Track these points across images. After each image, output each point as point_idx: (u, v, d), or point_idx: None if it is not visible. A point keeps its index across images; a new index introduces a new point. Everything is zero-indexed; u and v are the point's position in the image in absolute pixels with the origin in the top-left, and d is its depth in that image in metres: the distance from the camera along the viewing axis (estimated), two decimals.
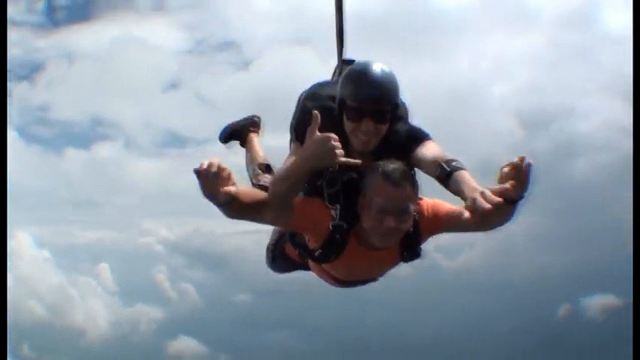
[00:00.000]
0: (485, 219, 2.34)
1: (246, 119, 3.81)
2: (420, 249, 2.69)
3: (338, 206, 2.47)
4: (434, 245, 2.99)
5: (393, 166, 2.37)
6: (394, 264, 2.78)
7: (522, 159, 2.11)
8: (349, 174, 2.46)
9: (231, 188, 2.28)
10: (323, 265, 2.76)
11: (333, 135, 2.16)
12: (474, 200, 2.03)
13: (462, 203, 2.33)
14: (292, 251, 2.99)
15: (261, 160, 3.42)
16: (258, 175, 3.28)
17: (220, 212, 2.38)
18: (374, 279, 2.96)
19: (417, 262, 2.76)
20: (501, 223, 2.48)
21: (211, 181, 2.24)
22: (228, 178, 2.27)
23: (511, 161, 2.12)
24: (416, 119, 2.76)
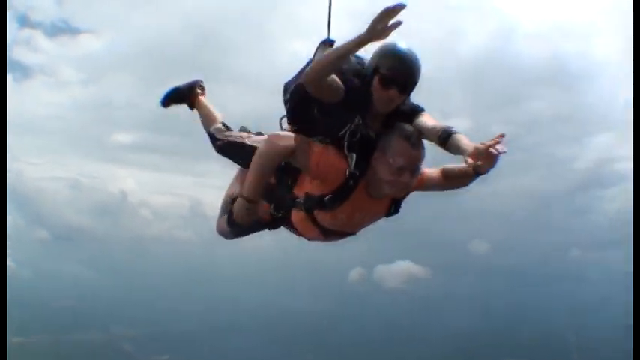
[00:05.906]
0: (450, 183, 3.06)
1: (191, 82, 3.82)
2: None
3: (354, 156, 2.75)
4: None
5: (411, 130, 2.77)
6: (379, 217, 3.08)
7: (498, 142, 2.36)
8: (368, 130, 2.80)
9: None
10: (317, 216, 2.95)
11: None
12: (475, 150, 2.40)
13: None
14: (263, 208, 3.14)
15: (220, 119, 3.54)
16: (223, 131, 3.38)
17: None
18: (354, 232, 3.17)
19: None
20: (461, 187, 3.05)
21: None
22: None
23: (489, 142, 2.36)
24: None
